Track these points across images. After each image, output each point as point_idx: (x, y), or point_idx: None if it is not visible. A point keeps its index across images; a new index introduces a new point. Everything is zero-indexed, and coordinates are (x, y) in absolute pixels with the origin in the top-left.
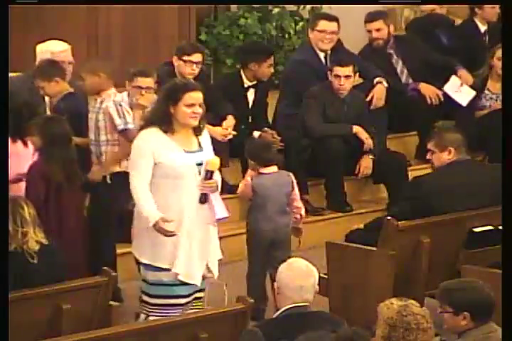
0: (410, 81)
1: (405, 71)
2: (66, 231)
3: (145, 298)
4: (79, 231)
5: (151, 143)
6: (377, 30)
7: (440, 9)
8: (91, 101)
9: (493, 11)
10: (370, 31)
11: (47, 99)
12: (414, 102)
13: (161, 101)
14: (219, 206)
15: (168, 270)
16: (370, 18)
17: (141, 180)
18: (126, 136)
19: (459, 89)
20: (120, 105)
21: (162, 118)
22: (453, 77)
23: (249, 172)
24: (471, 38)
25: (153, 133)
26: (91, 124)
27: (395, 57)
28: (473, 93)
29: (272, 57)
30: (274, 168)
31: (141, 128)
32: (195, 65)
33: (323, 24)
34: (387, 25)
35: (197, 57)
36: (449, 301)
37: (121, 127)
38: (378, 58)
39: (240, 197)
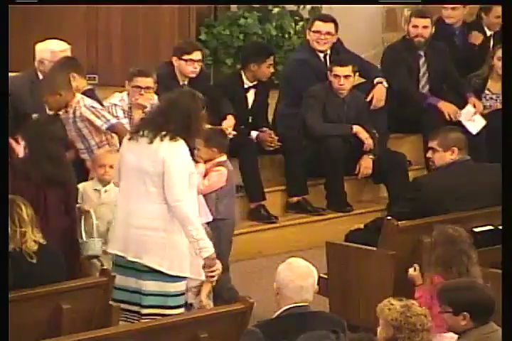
0: (427, 87)
1: (426, 75)
2: (49, 231)
3: (164, 311)
4: (64, 231)
5: (188, 155)
6: (425, 27)
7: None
8: (61, 113)
9: (495, 21)
10: (416, 26)
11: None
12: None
13: (185, 116)
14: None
15: (185, 278)
16: (421, 13)
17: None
18: (115, 131)
19: (472, 118)
20: (93, 107)
21: (190, 133)
22: (468, 106)
23: (202, 164)
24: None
25: (184, 145)
26: (73, 134)
27: (423, 59)
28: (483, 123)
29: (272, 57)
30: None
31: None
32: (196, 63)
33: (318, 25)
34: (432, 25)
35: (197, 55)
36: (448, 301)
37: (104, 126)
38: (408, 55)
39: (206, 190)
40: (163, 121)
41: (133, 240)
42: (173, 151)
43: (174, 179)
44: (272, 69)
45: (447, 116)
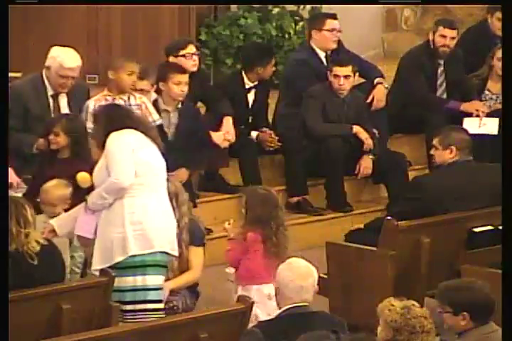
0: (444, 96)
1: (444, 84)
2: None
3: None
4: None
5: None
6: (452, 38)
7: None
8: (119, 99)
9: (499, 25)
10: (443, 36)
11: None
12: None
13: None
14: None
15: None
16: (451, 25)
17: None
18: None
19: (481, 124)
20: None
21: None
22: (466, 120)
23: None
24: (483, 41)
25: None
26: None
27: (441, 68)
28: (496, 120)
29: (273, 58)
30: None
31: None
32: (194, 56)
33: (331, 23)
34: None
35: (191, 48)
36: (448, 301)
37: (159, 121)
38: (428, 63)
39: None
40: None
41: (171, 235)
42: None
43: None
44: (273, 68)
45: (478, 114)
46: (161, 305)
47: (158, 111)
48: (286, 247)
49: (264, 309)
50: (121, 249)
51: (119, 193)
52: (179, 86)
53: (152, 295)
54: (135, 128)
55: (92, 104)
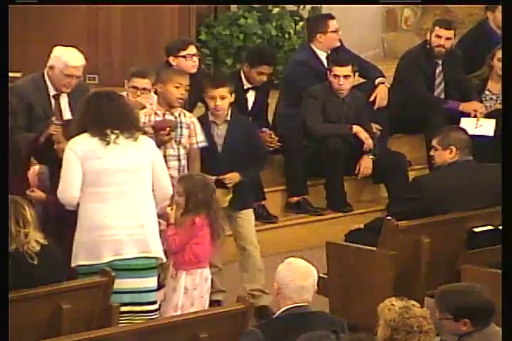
0: (442, 96)
1: (442, 84)
2: None
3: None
4: None
5: None
6: (448, 38)
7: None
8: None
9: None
10: (439, 37)
11: None
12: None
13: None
14: None
15: None
16: (447, 25)
17: None
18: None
19: (478, 124)
20: (199, 120)
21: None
22: (463, 120)
23: None
24: (483, 41)
25: None
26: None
27: (440, 68)
28: (493, 121)
29: (266, 67)
30: None
31: None
32: (194, 57)
33: (333, 24)
34: (455, 36)
35: (192, 49)
36: (448, 308)
37: (203, 144)
38: (425, 63)
39: None
40: (123, 120)
41: (151, 238)
42: (155, 145)
43: (165, 169)
44: (264, 78)
45: (476, 114)
46: (155, 307)
47: (208, 123)
48: (224, 230)
49: (200, 292)
50: (74, 255)
51: (67, 207)
52: (221, 100)
53: (146, 298)
54: (108, 125)
55: (142, 118)
